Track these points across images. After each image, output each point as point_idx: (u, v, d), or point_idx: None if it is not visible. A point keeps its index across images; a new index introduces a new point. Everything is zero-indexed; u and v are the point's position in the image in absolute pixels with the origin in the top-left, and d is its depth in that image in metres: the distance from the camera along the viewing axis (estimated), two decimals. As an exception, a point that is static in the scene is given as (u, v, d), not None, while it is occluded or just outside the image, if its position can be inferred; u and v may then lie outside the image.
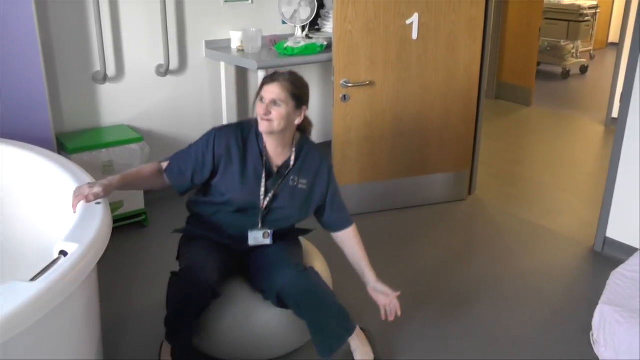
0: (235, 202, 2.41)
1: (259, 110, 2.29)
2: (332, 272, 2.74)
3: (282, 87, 2.28)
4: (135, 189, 2.71)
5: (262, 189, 2.40)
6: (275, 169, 2.42)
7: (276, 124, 2.29)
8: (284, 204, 2.44)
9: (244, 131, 2.42)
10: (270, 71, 2.53)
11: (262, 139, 2.40)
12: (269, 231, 2.45)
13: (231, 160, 2.38)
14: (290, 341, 2.51)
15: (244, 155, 2.39)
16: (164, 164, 2.44)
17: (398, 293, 2.46)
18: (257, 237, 2.45)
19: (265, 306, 2.41)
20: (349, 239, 2.57)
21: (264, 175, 2.39)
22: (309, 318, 2.33)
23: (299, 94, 2.32)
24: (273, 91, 2.28)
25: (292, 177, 2.44)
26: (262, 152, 2.40)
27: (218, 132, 2.41)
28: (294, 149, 2.43)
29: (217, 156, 2.38)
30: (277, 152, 2.42)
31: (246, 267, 2.50)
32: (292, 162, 2.43)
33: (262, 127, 2.30)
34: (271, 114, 2.27)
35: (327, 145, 3.83)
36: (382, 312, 2.48)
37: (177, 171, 2.41)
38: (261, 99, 2.30)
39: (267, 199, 2.41)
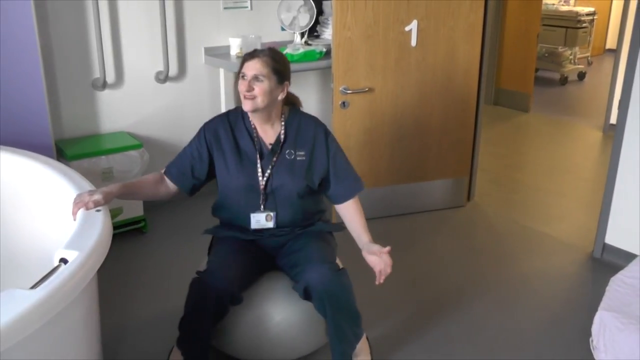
0: (238, 188, 2.39)
1: (241, 88, 2.26)
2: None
3: (263, 62, 2.25)
4: (136, 198, 2.67)
5: (259, 170, 2.37)
6: (268, 147, 2.39)
7: (260, 100, 2.25)
8: (284, 180, 2.38)
9: (230, 117, 2.42)
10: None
11: (249, 120, 2.40)
12: (272, 214, 2.40)
13: (222, 147, 2.38)
14: (306, 344, 2.47)
15: (235, 140, 2.38)
16: (163, 171, 2.45)
17: (388, 248, 2.31)
18: (259, 220, 2.40)
19: (282, 307, 2.38)
20: (348, 208, 2.49)
21: (257, 155, 2.37)
22: (330, 317, 2.30)
23: (280, 69, 2.28)
24: (254, 67, 2.24)
25: (287, 151, 2.39)
26: (250, 133, 2.39)
27: (206, 125, 2.43)
28: (282, 123, 2.39)
29: (210, 146, 2.38)
30: (265, 129, 2.39)
31: (280, 257, 2.45)
32: (282, 137, 2.39)
33: (246, 106, 2.28)
34: (254, 89, 2.24)
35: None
36: (377, 276, 2.34)
37: (177, 172, 2.42)
38: (243, 76, 2.27)
39: (265, 178, 2.37)
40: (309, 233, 2.46)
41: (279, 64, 2.29)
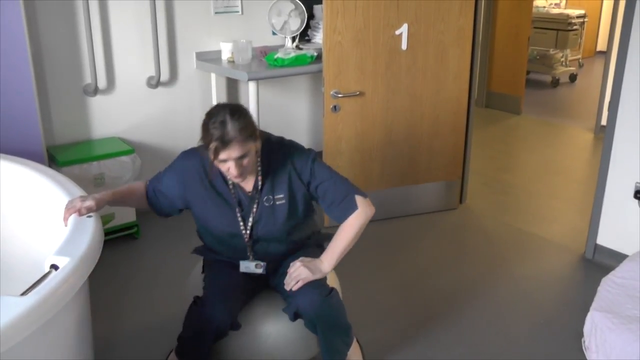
0: (221, 234, 2.32)
1: (229, 172, 2.09)
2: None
3: (239, 141, 2.02)
4: (126, 206, 2.57)
5: (239, 221, 2.26)
6: (247, 194, 2.25)
7: (248, 171, 2.14)
8: (268, 229, 2.28)
9: (204, 160, 2.21)
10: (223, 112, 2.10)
11: None
12: (262, 263, 2.31)
13: (198, 192, 2.25)
14: (300, 356, 2.46)
15: (211, 185, 2.25)
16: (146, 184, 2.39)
17: (301, 262, 2.22)
18: (249, 267, 2.32)
19: (276, 325, 2.35)
20: (343, 225, 2.30)
21: (237, 205, 2.25)
22: (321, 335, 2.28)
23: (250, 130, 2.07)
24: (234, 152, 2.03)
25: (265, 199, 2.25)
26: (227, 181, 2.24)
27: (179, 165, 2.30)
28: (259, 169, 2.22)
29: (185, 187, 2.27)
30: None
31: (272, 278, 2.40)
32: (259, 184, 2.23)
33: (235, 180, 2.16)
34: (242, 171, 2.08)
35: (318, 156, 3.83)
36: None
37: (153, 195, 2.34)
38: (224, 161, 2.06)
39: (248, 230, 2.27)
40: (300, 253, 2.37)
41: (247, 127, 2.06)
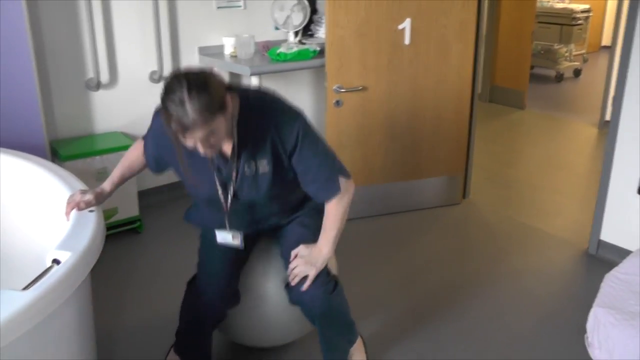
0: (198, 197, 2.18)
1: (194, 149, 1.86)
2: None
3: (201, 122, 1.75)
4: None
5: (218, 188, 2.07)
6: (226, 160, 2.04)
7: (219, 146, 1.92)
8: (252, 196, 2.09)
9: None
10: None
11: None
12: (239, 233, 2.18)
13: (174, 152, 1.99)
14: (300, 327, 2.45)
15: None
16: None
17: (296, 253, 2.16)
18: (226, 237, 2.19)
19: (275, 291, 2.32)
20: (329, 208, 2.15)
21: (215, 170, 2.05)
22: (321, 331, 2.26)
23: (216, 104, 1.78)
24: (197, 134, 1.77)
25: (245, 165, 2.03)
26: None
27: (156, 122, 2.10)
28: (235, 131, 1.96)
29: (161, 149, 2.11)
30: None
31: (276, 237, 2.29)
32: (236, 149, 2.00)
33: (206, 155, 1.92)
34: (213, 144, 1.86)
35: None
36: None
37: (147, 153, 2.22)
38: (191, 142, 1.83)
39: (229, 199, 2.08)
40: (303, 224, 2.25)
41: (211, 103, 1.75)
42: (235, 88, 1.96)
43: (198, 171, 2.06)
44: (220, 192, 2.07)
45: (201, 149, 1.83)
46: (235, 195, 2.08)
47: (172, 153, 2.00)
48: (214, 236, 2.22)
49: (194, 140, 1.79)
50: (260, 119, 1.99)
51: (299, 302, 2.18)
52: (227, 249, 2.22)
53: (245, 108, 1.97)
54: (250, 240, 2.31)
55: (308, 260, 2.14)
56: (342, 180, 2.11)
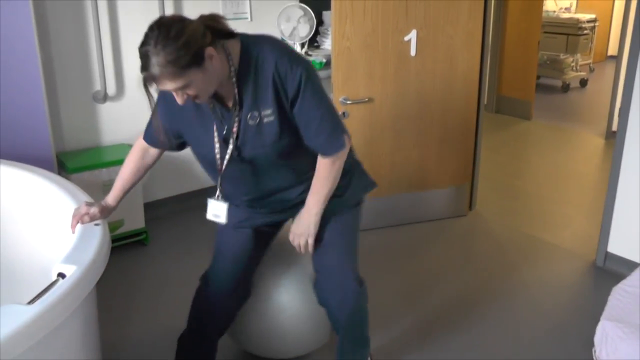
0: (201, 161, 2.06)
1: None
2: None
3: (168, 76, 1.65)
4: None
5: (215, 141, 1.90)
6: (228, 111, 1.89)
7: (203, 96, 1.77)
8: (256, 151, 1.91)
9: None
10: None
11: None
12: (225, 205, 2.02)
13: (183, 114, 1.93)
14: (315, 339, 2.47)
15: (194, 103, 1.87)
16: (143, 136, 2.19)
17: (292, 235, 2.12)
18: (215, 209, 2.03)
19: (291, 302, 2.35)
20: (325, 162, 2.00)
21: (214, 125, 1.89)
22: (341, 332, 2.28)
23: (187, 59, 1.64)
24: (166, 86, 1.69)
25: (248, 115, 1.86)
26: None
27: (160, 93, 1.99)
28: (234, 80, 1.82)
29: (171, 114, 1.97)
30: (222, 90, 1.85)
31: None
32: (237, 98, 1.84)
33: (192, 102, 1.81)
34: (190, 96, 1.74)
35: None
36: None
37: (158, 139, 2.09)
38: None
39: (226, 157, 1.92)
40: (331, 216, 2.12)
41: (180, 57, 1.63)
42: (236, 34, 1.84)
43: (201, 126, 1.93)
44: (217, 148, 1.91)
45: (178, 99, 1.73)
46: (239, 153, 1.92)
47: (180, 115, 1.92)
48: (228, 226, 2.11)
49: (163, 89, 1.70)
50: (262, 64, 1.83)
51: (330, 299, 2.19)
52: (242, 241, 2.17)
53: (247, 54, 1.83)
54: (267, 236, 2.26)
55: (302, 230, 2.09)
56: (346, 137, 1.98)
